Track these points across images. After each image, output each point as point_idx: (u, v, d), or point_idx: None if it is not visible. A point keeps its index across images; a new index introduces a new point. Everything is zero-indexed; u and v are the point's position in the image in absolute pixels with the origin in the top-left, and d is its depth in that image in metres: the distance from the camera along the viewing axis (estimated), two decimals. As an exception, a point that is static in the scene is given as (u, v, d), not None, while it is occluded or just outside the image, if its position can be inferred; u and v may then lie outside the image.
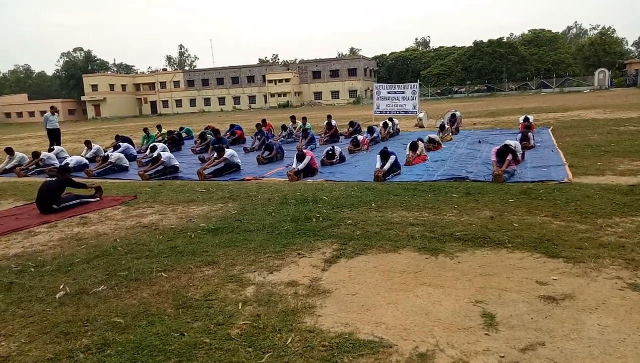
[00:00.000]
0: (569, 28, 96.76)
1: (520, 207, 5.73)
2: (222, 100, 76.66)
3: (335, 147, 10.76)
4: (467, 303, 3.32)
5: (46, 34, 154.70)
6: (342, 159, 10.50)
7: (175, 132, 17.20)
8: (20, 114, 78.79)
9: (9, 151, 12.54)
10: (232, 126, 17.53)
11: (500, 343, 2.78)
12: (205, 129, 17.25)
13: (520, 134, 11.25)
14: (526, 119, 14.01)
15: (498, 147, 7.92)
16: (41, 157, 12.13)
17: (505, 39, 68.44)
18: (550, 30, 69.36)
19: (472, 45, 66.94)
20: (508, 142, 8.91)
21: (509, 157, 7.65)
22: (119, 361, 2.76)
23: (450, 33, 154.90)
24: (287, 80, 71.14)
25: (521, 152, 9.12)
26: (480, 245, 4.46)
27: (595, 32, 73.50)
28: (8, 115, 79.31)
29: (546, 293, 3.37)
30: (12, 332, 3.22)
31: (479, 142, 12.57)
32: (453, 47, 73.82)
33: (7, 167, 12.24)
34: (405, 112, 18.92)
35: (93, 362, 2.77)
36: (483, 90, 62.43)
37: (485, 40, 65.26)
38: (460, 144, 12.38)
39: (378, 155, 8.47)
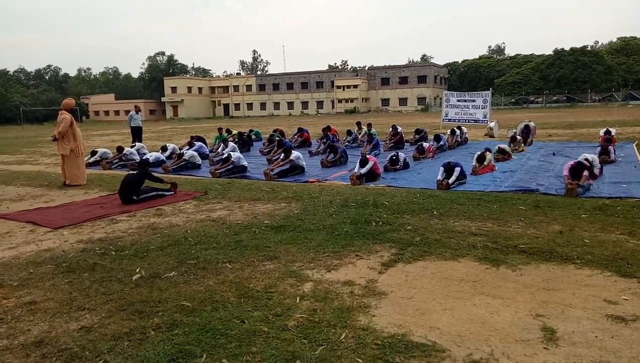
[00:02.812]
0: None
1: (593, 223, 5.43)
2: (291, 105, 78.48)
3: (400, 153, 10.71)
4: (526, 315, 3.24)
5: (134, 39, 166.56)
6: (406, 165, 10.44)
7: (245, 134, 17.89)
8: (107, 113, 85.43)
9: (93, 153, 13.54)
10: (300, 129, 17.95)
11: (560, 358, 2.70)
12: (274, 131, 17.80)
13: (599, 148, 10.58)
14: (607, 132, 13.14)
15: (572, 163, 7.52)
16: (124, 152, 13.15)
17: (589, 47, 64.29)
18: (643, 38, 64.33)
19: (552, 53, 63.57)
20: (585, 155, 8.44)
21: (585, 172, 7.24)
22: (185, 340, 2.99)
23: (527, 40, 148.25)
24: (355, 86, 71.48)
25: (599, 166, 8.59)
26: (546, 260, 4.30)
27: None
28: (97, 113, 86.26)
29: (614, 313, 3.21)
30: (95, 307, 3.58)
31: (553, 154, 11.97)
32: (531, 55, 70.59)
33: (91, 160, 13.33)
34: (475, 120, 18.41)
35: (162, 339, 3.02)
36: (562, 100, 59.09)
37: (566, 49, 61.74)
38: (533, 156, 11.85)
39: (441, 168, 8.32)
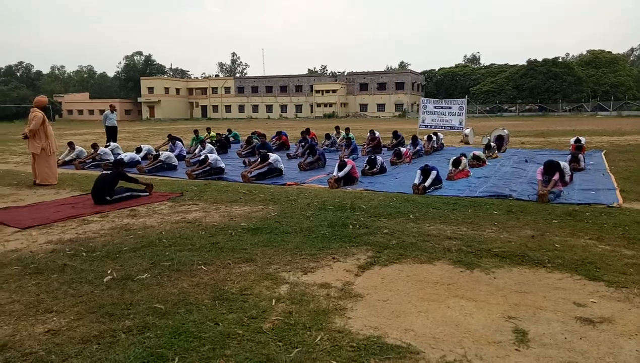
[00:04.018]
0: (633, 50, 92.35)
1: (563, 228, 5.57)
2: (269, 108, 78.27)
3: (377, 156, 10.79)
4: (499, 318, 3.29)
5: (109, 37, 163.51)
6: (383, 169, 10.52)
7: (224, 136, 17.74)
8: (81, 112, 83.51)
9: (71, 144, 13.42)
10: (278, 133, 17.90)
11: (531, 359, 2.75)
12: (252, 134, 17.70)
13: (570, 155, 10.87)
14: (577, 141, 13.53)
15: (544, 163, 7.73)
16: (98, 151, 12.87)
17: (560, 59, 66.16)
18: (611, 52, 66.50)
19: (526, 63, 65.17)
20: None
21: (556, 176, 7.44)
22: (157, 343, 2.92)
23: (502, 51, 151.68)
24: (334, 91, 71.80)
25: (570, 173, 8.83)
26: (518, 263, 4.38)
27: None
28: (70, 112, 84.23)
29: (583, 315, 3.29)
30: (63, 309, 3.47)
31: (526, 161, 12.24)
32: (505, 64, 72.21)
33: (66, 159, 13.05)
34: (451, 127, 18.71)
35: (133, 342, 2.95)
36: (535, 110, 60.61)
37: (539, 60, 63.41)
38: (506, 162, 12.10)
39: (418, 171, 8.43)
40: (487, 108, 62.73)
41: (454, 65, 78.64)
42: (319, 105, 71.78)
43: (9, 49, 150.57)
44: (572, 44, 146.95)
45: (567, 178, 8.55)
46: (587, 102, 59.02)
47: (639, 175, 9.51)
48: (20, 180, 10.36)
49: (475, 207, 6.76)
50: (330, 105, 71.17)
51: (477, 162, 11.27)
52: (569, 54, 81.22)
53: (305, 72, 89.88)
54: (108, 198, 7.50)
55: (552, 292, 3.70)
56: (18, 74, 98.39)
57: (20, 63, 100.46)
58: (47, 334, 3.08)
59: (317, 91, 72.37)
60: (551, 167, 7.51)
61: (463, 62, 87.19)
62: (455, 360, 2.74)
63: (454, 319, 3.28)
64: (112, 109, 17.62)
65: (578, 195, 7.67)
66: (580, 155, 10.93)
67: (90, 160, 12.82)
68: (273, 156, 10.47)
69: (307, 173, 10.85)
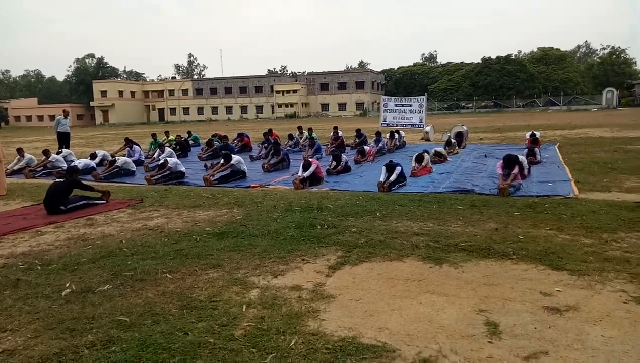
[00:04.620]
0: (579, 47, 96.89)
1: (525, 220, 5.73)
2: (229, 110, 77.21)
3: (342, 154, 10.81)
4: (470, 311, 3.32)
5: (57, 41, 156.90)
6: (347, 168, 10.54)
7: (183, 139, 17.33)
8: (29, 118, 79.70)
9: (20, 151, 12.71)
10: (240, 134, 17.64)
11: (504, 351, 2.78)
12: (213, 136, 17.37)
13: (526, 149, 11.25)
14: (533, 135, 14.02)
15: (504, 157, 7.95)
16: (50, 159, 12.27)
17: (513, 57, 68.56)
18: (559, 49, 69.47)
19: (481, 61, 67.17)
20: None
21: (515, 170, 7.66)
22: (123, 358, 2.78)
23: (458, 50, 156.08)
24: (294, 91, 71.62)
25: (527, 166, 9.12)
26: (485, 256, 4.46)
27: (606, 52, 73.48)
28: (17, 118, 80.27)
29: (550, 304, 3.37)
30: (19, 327, 3.25)
31: (485, 156, 12.58)
32: (461, 62, 74.13)
33: (15, 168, 12.37)
34: (412, 125, 19.01)
35: (98, 358, 2.79)
36: (490, 106, 62.50)
37: (493, 57, 65.50)
38: (466, 158, 12.39)
39: (383, 167, 8.49)
40: (445, 105, 64.21)
41: (412, 64, 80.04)
42: (280, 105, 71.43)
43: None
44: (525, 41, 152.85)
45: (526, 171, 8.83)
46: (539, 98, 61.41)
47: (591, 166, 9.95)
48: (-35, 191, 9.72)
49: (439, 203, 6.86)
50: (292, 105, 70.97)
51: (438, 158, 11.48)
52: (520, 51, 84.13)
53: (265, 72, 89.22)
54: (62, 207, 7.15)
55: (519, 283, 3.78)
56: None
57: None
58: (2, 355, 2.88)
59: (278, 92, 71.99)
60: (510, 161, 7.74)
61: (421, 61, 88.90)
62: (431, 357, 2.74)
63: (426, 315, 3.30)
64: (65, 115, 16.92)
65: (536, 187, 7.93)
66: (536, 149, 11.33)
67: (42, 168, 12.20)
68: (236, 157, 10.29)
69: (272, 174, 10.74)
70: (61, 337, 3.07)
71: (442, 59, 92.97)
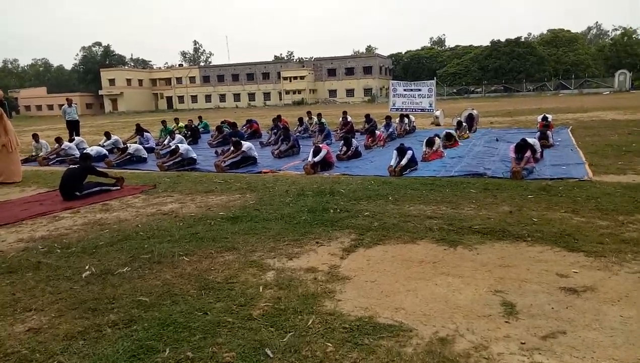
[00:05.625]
0: (590, 28, 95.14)
1: (539, 203, 5.71)
2: (237, 97, 77.04)
3: (352, 139, 10.79)
4: (486, 292, 3.34)
5: (64, 28, 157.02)
6: (357, 154, 10.52)
7: (193, 125, 17.38)
8: (39, 107, 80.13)
9: (35, 137, 13.05)
10: (249, 121, 17.64)
11: (521, 330, 2.80)
12: (222, 122, 17.39)
13: (538, 133, 11.13)
14: (545, 118, 13.86)
15: (516, 143, 7.89)
16: (62, 146, 12.38)
17: (523, 39, 67.47)
18: (570, 31, 68.18)
19: (489, 44, 66.22)
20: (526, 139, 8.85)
21: (528, 153, 7.61)
22: (145, 335, 2.84)
23: (466, 32, 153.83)
24: (302, 77, 71.23)
25: (540, 150, 9.05)
26: (499, 239, 4.46)
27: (617, 33, 71.94)
28: (28, 108, 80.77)
29: (567, 285, 3.37)
30: (42, 307, 3.33)
31: (497, 140, 12.48)
32: (470, 46, 73.10)
33: (33, 154, 12.61)
34: (422, 109, 18.88)
35: (120, 336, 2.85)
36: (500, 90, 61.79)
37: (502, 40, 64.52)
38: (478, 142, 12.30)
39: (395, 151, 8.47)
40: (454, 90, 63.58)
41: (420, 48, 79.10)
42: (287, 92, 71.15)
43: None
44: (535, 23, 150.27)
45: (538, 154, 8.76)
46: (550, 81, 60.54)
47: (604, 149, 9.84)
48: (-19, 178, 9.86)
49: (452, 187, 6.84)
50: (299, 92, 70.65)
51: (449, 142, 11.41)
52: (530, 33, 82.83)
53: (271, 58, 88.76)
54: (77, 193, 7.24)
55: (535, 265, 3.79)
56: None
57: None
58: (28, 333, 2.96)
59: (285, 78, 71.63)
60: (521, 148, 7.66)
61: (429, 45, 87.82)
62: (448, 336, 2.77)
63: (442, 296, 3.32)
64: (70, 103, 17.05)
65: (550, 170, 7.87)
66: (548, 132, 11.22)
67: (55, 155, 12.33)
68: (246, 144, 10.32)
69: (282, 160, 10.75)
70: (84, 317, 3.14)
71: (450, 43, 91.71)
